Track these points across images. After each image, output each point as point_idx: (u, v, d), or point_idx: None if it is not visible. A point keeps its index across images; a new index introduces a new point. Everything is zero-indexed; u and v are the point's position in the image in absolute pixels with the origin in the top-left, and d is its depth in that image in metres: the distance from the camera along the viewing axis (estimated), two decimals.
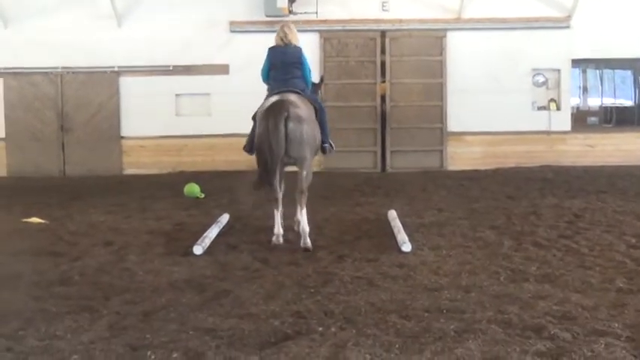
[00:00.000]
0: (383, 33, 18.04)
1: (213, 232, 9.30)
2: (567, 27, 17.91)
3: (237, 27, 17.76)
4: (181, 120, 17.93)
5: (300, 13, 17.54)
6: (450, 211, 11.45)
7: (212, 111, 17.84)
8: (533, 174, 16.37)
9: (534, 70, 18.09)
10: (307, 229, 8.76)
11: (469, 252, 8.35)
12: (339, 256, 8.22)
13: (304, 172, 8.85)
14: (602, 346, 4.98)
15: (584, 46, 17.87)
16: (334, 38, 18.01)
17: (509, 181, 15.34)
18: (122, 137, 17.98)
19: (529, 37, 17.87)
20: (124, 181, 16.35)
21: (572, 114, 18.51)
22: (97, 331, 5.52)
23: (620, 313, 5.81)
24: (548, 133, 18.00)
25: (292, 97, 8.84)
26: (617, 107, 19.96)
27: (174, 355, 4.99)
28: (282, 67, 9.24)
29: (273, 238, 8.98)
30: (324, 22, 17.82)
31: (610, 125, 19.41)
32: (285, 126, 8.51)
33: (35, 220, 10.99)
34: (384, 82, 18.07)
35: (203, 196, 13.29)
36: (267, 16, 17.24)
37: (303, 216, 8.81)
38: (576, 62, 18.52)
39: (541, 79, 18.16)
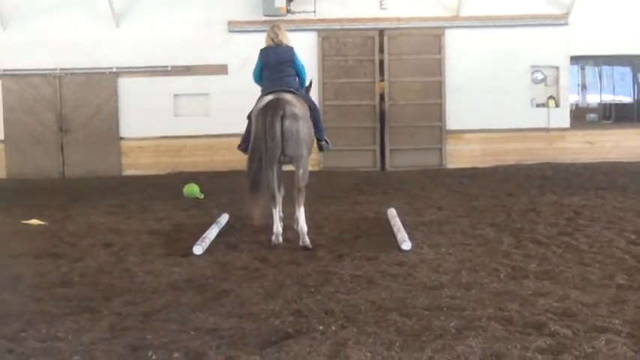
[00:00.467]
0: (381, 31, 18.04)
1: (212, 232, 9.31)
2: (566, 24, 17.91)
3: (235, 27, 17.76)
4: (180, 120, 17.92)
5: (298, 13, 17.55)
6: (450, 209, 11.46)
7: (211, 111, 17.84)
8: (533, 171, 16.37)
9: (533, 67, 18.09)
10: (305, 228, 8.77)
11: (469, 250, 8.36)
12: (339, 254, 8.23)
13: (300, 171, 8.87)
14: (603, 342, 4.99)
15: (582, 42, 17.86)
16: (332, 37, 18.00)
17: (508, 178, 15.35)
18: (121, 138, 17.97)
19: (527, 35, 17.86)
20: (123, 182, 16.35)
21: (571, 111, 18.50)
22: (97, 332, 5.53)
23: (620, 309, 5.82)
24: (547, 130, 18.00)
25: (288, 96, 8.86)
26: (616, 104, 19.92)
27: (175, 355, 5.00)
28: (275, 66, 9.24)
29: (273, 238, 8.99)
30: (322, 21, 17.82)
31: (609, 122, 19.39)
32: (282, 124, 8.52)
33: (35, 221, 11.00)
34: (382, 80, 18.06)
35: (202, 196, 13.29)
36: (265, 15, 17.23)
37: (301, 215, 8.82)
38: (575, 59, 18.50)
39: (540, 76, 18.15)
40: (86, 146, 17.82)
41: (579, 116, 19.04)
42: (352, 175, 16.63)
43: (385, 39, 18.02)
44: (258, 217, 8.77)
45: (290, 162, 8.97)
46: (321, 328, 5.50)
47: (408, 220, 10.09)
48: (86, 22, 17.67)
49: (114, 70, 17.80)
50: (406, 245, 8.39)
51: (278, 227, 9.07)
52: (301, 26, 17.04)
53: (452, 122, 17.96)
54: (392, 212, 10.46)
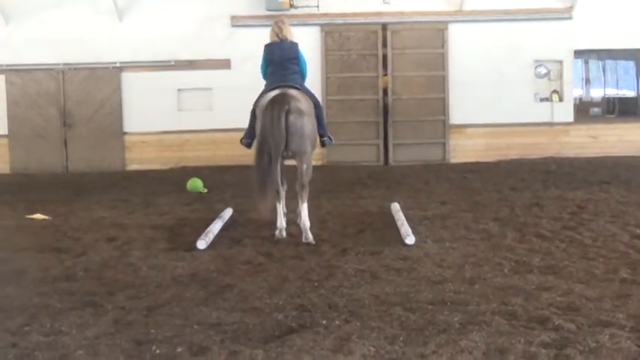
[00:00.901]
0: (384, 26, 18.02)
1: (216, 227, 9.30)
2: (569, 18, 17.87)
3: (238, 21, 17.75)
4: (183, 115, 17.93)
5: (301, 7, 17.53)
6: (453, 203, 11.45)
7: (214, 106, 17.84)
8: (536, 165, 16.36)
9: (536, 61, 18.07)
10: (308, 223, 8.77)
11: (473, 244, 8.35)
12: (343, 249, 8.23)
13: (304, 166, 8.85)
14: (607, 336, 4.98)
15: (586, 37, 17.83)
16: (335, 32, 17.99)
17: (512, 173, 15.34)
18: (124, 133, 17.98)
19: (531, 29, 17.84)
20: (126, 177, 16.36)
21: (574, 105, 18.48)
22: (101, 327, 5.53)
23: (624, 303, 5.81)
24: (550, 124, 17.98)
25: (293, 92, 8.87)
26: (619, 98, 19.92)
27: (179, 349, 4.99)
28: (280, 63, 9.21)
29: (277, 232, 9.00)
30: (325, 15, 17.79)
31: (613, 116, 19.38)
32: (286, 119, 8.52)
33: (39, 216, 11.01)
34: (385, 75, 18.05)
35: (206, 190, 13.30)
36: (268, 10, 17.23)
37: (304, 210, 8.81)
38: (579, 53, 18.48)
39: (543, 70, 18.13)
40: (89, 141, 17.84)
41: (583, 110, 19.04)
42: (355, 169, 16.63)
43: (388, 33, 18.00)
44: (266, 212, 8.78)
45: (293, 157, 8.95)
46: (324, 322, 5.49)
47: (411, 215, 10.09)
48: (89, 17, 17.67)
49: (117, 64, 17.80)
50: (410, 240, 8.38)
51: (282, 222, 9.07)
52: (304, 21, 17.02)
53: (455, 117, 17.95)
54: (395, 207, 10.46)
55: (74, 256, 8.19)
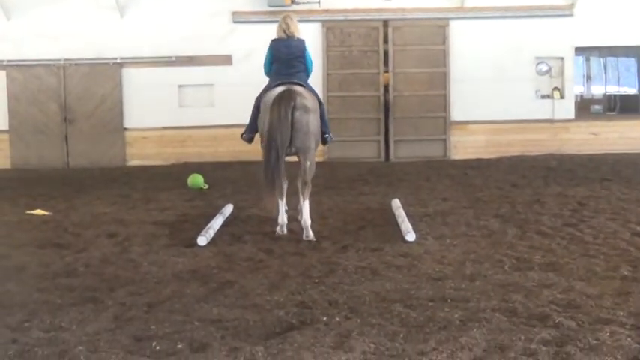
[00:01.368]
0: (385, 22, 18.02)
1: (217, 223, 9.30)
2: (570, 15, 17.86)
3: (239, 17, 17.74)
4: (184, 111, 17.94)
5: (303, 3, 17.52)
6: (454, 200, 11.45)
7: (215, 102, 17.85)
8: (537, 162, 16.36)
9: (538, 58, 18.06)
10: (309, 221, 8.74)
11: (473, 241, 8.35)
12: (343, 245, 8.23)
13: (307, 163, 8.82)
14: (607, 334, 4.98)
15: (587, 34, 17.82)
16: (337, 28, 17.98)
17: (513, 169, 15.33)
18: (125, 129, 17.99)
19: (532, 26, 17.83)
20: (127, 173, 16.36)
21: (575, 102, 18.49)
22: (102, 322, 5.53)
23: (624, 301, 5.81)
24: (551, 121, 17.97)
25: (299, 88, 8.84)
26: (620, 95, 19.92)
27: (179, 345, 5.00)
28: (286, 60, 9.17)
29: (277, 229, 8.99)
30: (327, 11, 17.79)
31: (614, 113, 19.37)
32: (292, 115, 8.50)
33: (39, 212, 11.01)
34: (387, 71, 18.04)
35: (207, 187, 13.30)
36: (269, 6, 17.23)
37: (305, 208, 8.78)
38: (580, 50, 18.48)
39: (544, 67, 18.12)
40: (90, 137, 17.86)
41: (584, 107, 19.04)
42: (356, 166, 16.63)
43: (390, 30, 18.00)
44: (272, 208, 8.80)
45: (296, 154, 8.93)
46: (325, 319, 5.49)
47: (412, 211, 10.08)
48: (90, 13, 17.67)
49: (118, 60, 17.80)
50: (410, 236, 8.38)
51: (283, 218, 9.05)
52: (305, 17, 16.97)
53: (456, 113, 17.95)
54: (396, 203, 10.46)
55: (75, 252, 8.19)
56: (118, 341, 5.11)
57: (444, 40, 17.97)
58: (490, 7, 17.82)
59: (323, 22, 17.84)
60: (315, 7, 17.59)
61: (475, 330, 5.11)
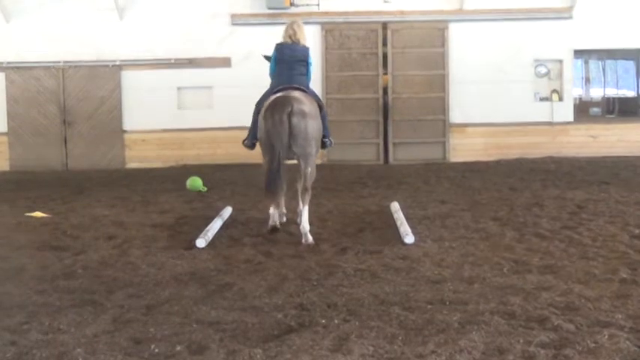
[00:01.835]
0: (384, 25, 18.02)
1: (216, 225, 9.30)
2: (569, 17, 17.87)
3: (238, 20, 17.75)
4: (184, 113, 17.93)
5: (302, 5, 17.53)
6: (453, 202, 11.45)
7: (214, 104, 17.84)
8: (536, 165, 16.36)
9: (536, 60, 18.08)
10: (308, 227, 8.71)
11: (472, 244, 8.35)
12: (342, 248, 8.23)
13: (308, 169, 8.81)
14: (606, 337, 4.98)
15: (586, 36, 17.84)
16: (336, 30, 17.99)
17: (511, 172, 15.33)
18: (124, 131, 17.99)
19: (531, 28, 17.85)
20: (126, 175, 16.36)
21: (574, 105, 18.49)
22: (100, 325, 5.53)
23: (623, 304, 5.81)
24: (550, 124, 17.98)
25: (296, 94, 8.83)
26: (619, 98, 19.94)
27: (178, 348, 5.00)
28: (290, 63, 9.19)
29: (270, 221, 9.09)
30: (326, 14, 17.79)
31: (612, 116, 19.39)
32: (289, 121, 8.50)
33: (38, 214, 11.01)
34: (386, 74, 18.05)
35: (206, 189, 13.29)
36: (268, 8, 17.26)
37: (304, 213, 8.76)
38: (579, 53, 18.49)
39: (543, 69, 18.14)
40: (89, 139, 17.86)
41: (583, 110, 19.06)
42: (356, 168, 16.63)
43: (389, 32, 18.01)
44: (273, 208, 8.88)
45: (297, 159, 8.94)
46: (323, 321, 5.50)
47: (411, 214, 10.09)
48: (90, 15, 17.69)
49: (117, 62, 17.80)
50: (409, 239, 8.38)
51: (274, 219, 9.14)
52: (304, 19, 16.72)
53: (455, 116, 17.96)
54: (395, 206, 10.46)
55: (73, 254, 8.18)
56: (116, 344, 5.11)
57: (443, 42, 17.98)
58: (489, 9, 17.83)
59: (322, 24, 17.85)
60: (314, 9, 17.60)
61: (474, 333, 5.12)
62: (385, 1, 17.91)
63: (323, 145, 9.51)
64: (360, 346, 4.90)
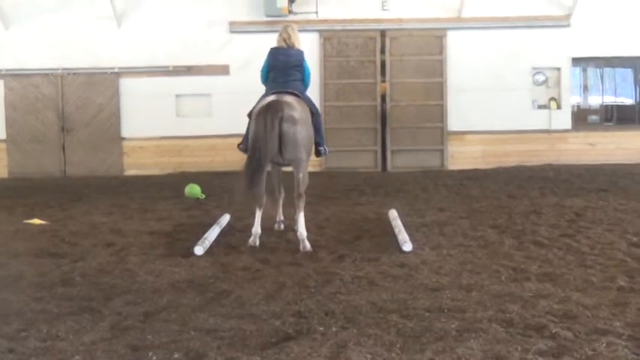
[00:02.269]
0: (383, 32, 18.05)
1: (214, 233, 9.30)
2: (567, 25, 17.90)
3: (237, 27, 17.77)
4: (182, 121, 17.94)
5: (300, 13, 17.55)
6: (451, 210, 11.45)
7: (213, 111, 17.85)
8: (534, 173, 16.37)
9: (535, 68, 18.10)
10: (305, 233, 8.70)
11: (470, 251, 8.35)
12: (340, 255, 8.22)
13: (300, 175, 8.79)
14: (604, 345, 4.98)
15: (584, 44, 17.87)
16: (334, 38, 18.01)
17: (509, 180, 15.34)
18: (123, 138, 17.99)
19: (529, 36, 17.88)
20: (124, 182, 16.35)
21: (572, 112, 18.49)
22: (98, 332, 5.53)
23: (621, 311, 5.81)
24: (548, 131, 18.00)
25: (289, 99, 8.81)
26: (617, 105, 19.94)
27: (176, 355, 5.00)
28: (283, 69, 9.19)
29: (250, 240, 8.93)
30: (324, 21, 17.82)
31: (611, 124, 19.39)
32: (280, 126, 8.49)
33: (36, 221, 11.00)
34: (384, 81, 18.07)
35: (204, 196, 13.29)
36: (267, 16, 17.27)
37: (300, 220, 8.73)
38: (577, 61, 18.50)
39: (541, 77, 18.16)
40: (88, 146, 17.87)
41: (581, 118, 19.05)
42: (353, 175, 16.63)
43: (387, 40, 18.03)
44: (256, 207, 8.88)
45: (289, 165, 8.95)
46: (321, 329, 5.50)
47: (409, 222, 10.08)
48: (88, 23, 17.71)
49: (115, 70, 17.81)
50: (407, 246, 8.38)
51: (257, 229, 8.96)
52: (303, 27, 16.81)
53: (453, 123, 17.97)
54: (393, 213, 10.46)
55: (71, 262, 8.18)
56: (114, 351, 5.11)
57: (441, 50, 18.00)
58: (487, 17, 17.87)
59: (320, 32, 17.87)
60: (313, 17, 17.63)
61: (472, 341, 5.12)
62: (384, 9, 17.94)
63: (318, 153, 9.50)
64: (357, 354, 4.89)
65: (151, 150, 17.94)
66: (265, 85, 9.45)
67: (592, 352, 4.86)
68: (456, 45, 17.91)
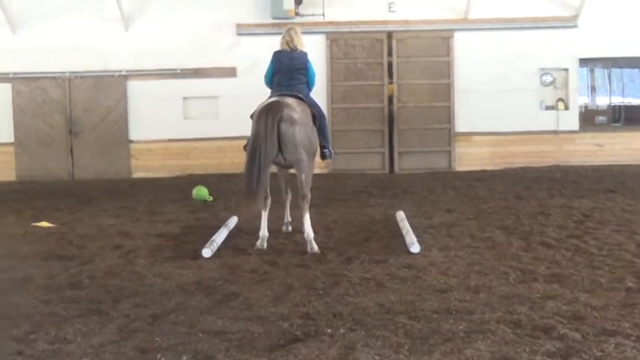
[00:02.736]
0: (390, 34, 18.04)
1: (221, 235, 9.31)
2: (575, 26, 17.87)
3: (243, 30, 17.79)
4: (189, 123, 17.96)
5: (307, 15, 17.56)
6: (459, 211, 11.44)
7: (220, 114, 17.87)
8: (542, 174, 16.34)
9: (542, 69, 18.07)
10: (312, 234, 8.72)
11: (478, 252, 8.34)
12: (348, 257, 8.23)
13: (303, 176, 8.80)
14: (612, 345, 4.98)
15: (591, 45, 17.84)
16: (341, 40, 18.01)
17: (517, 181, 15.32)
18: (130, 141, 18.01)
19: (536, 37, 17.84)
20: (132, 185, 16.39)
21: (580, 113, 18.46)
22: (106, 335, 5.54)
23: (629, 312, 5.80)
24: (556, 132, 17.96)
25: (289, 100, 8.82)
26: (625, 106, 19.89)
27: (184, 357, 5.01)
28: (288, 72, 9.21)
29: (258, 242, 8.94)
30: (331, 23, 17.82)
31: (618, 124, 19.34)
32: (278, 127, 8.50)
33: (44, 224, 11.03)
34: (391, 83, 18.06)
35: (211, 199, 13.30)
36: (273, 18, 17.28)
37: (306, 221, 8.74)
38: (584, 61, 18.46)
39: (549, 78, 18.13)
40: (95, 149, 17.90)
41: (588, 119, 19.01)
42: (361, 177, 16.63)
43: (394, 41, 18.02)
44: (250, 215, 8.79)
45: (292, 166, 8.96)
46: (329, 331, 5.50)
47: (416, 223, 10.08)
48: (95, 26, 17.74)
49: (123, 73, 17.84)
50: (415, 248, 8.38)
51: (264, 231, 8.97)
52: (310, 29, 16.98)
53: (461, 125, 17.95)
54: (401, 215, 10.46)
55: (80, 264, 8.20)
56: (122, 353, 5.12)
57: (448, 51, 17.99)
58: (494, 18, 17.84)
59: (327, 34, 17.88)
60: (320, 19, 17.63)
61: (480, 342, 5.11)
62: (390, 11, 17.93)
63: (323, 156, 9.51)
64: (366, 356, 4.90)
65: (159, 152, 17.96)
66: (270, 89, 9.46)
67: (600, 354, 4.85)
68: (463, 46, 17.89)
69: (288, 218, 9.92)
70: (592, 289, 6.57)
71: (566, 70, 18.08)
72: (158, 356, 5.04)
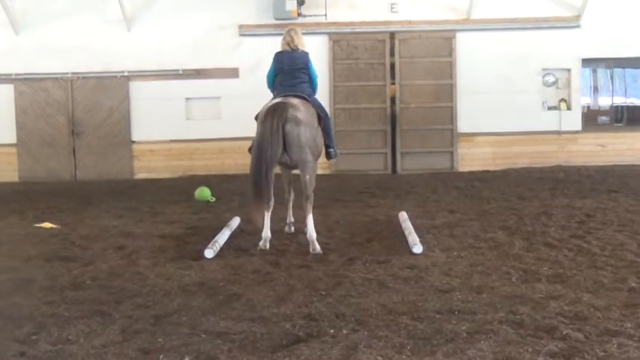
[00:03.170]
0: (392, 35, 18.05)
1: (224, 236, 9.30)
2: (577, 26, 17.88)
3: (246, 30, 17.81)
4: (192, 124, 17.99)
5: (309, 16, 17.57)
6: (461, 212, 11.44)
7: (222, 114, 17.89)
8: (544, 174, 16.34)
9: (544, 70, 18.08)
10: (314, 235, 8.72)
11: (480, 253, 8.34)
12: (350, 258, 8.22)
13: (307, 177, 8.80)
14: (615, 346, 4.97)
15: (594, 45, 17.84)
16: (343, 40, 18.02)
17: (520, 181, 15.32)
18: (133, 142, 18.04)
19: (539, 37, 17.85)
20: (135, 186, 16.40)
21: (582, 113, 18.45)
22: (109, 335, 5.54)
23: (632, 313, 5.79)
24: (558, 133, 17.96)
25: (294, 101, 8.82)
26: (628, 106, 19.85)
27: (186, 358, 5.00)
28: (290, 72, 9.21)
29: (260, 243, 8.92)
30: (333, 24, 17.83)
31: (621, 124, 19.31)
32: (283, 127, 8.50)
33: (47, 225, 11.03)
34: (393, 83, 18.06)
35: (214, 199, 13.31)
36: (276, 19, 17.29)
37: (309, 222, 8.74)
38: (586, 61, 18.45)
39: (551, 78, 18.13)
40: (98, 149, 17.93)
41: (591, 119, 18.99)
42: (363, 178, 16.63)
43: (396, 42, 18.03)
44: (260, 220, 8.76)
45: (296, 167, 8.96)
46: (332, 331, 5.49)
47: (419, 224, 10.08)
48: (98, 27, 17.78)
49: (125, 74, 17.87)
50: (417, 249, 8.37)
51: (267, 232, 8.95)
52: (312, 29, 17.02)
53: (463, 125, 17.95)
54: (403, 215, 10.45)
55: (82, 265, 8.20)
56: (125, 354, 5.12)
57: (451, 52, 18.00)
58: (496, 18, 17.85)
59: (329, 34, 17.90)
60: (322, 19, 17.64)
61: (482, 342, 5.11)
62: (393, 11, 17.94)
63: (328, 156, 9.52)
64: (368, 356, 4.89)
65: (161, 153, 17.98)
66: (272, 90, 9.46)
67: (603, 354, 4.84)
68: (465, 47, 17.90)
69: (290, 219, 9.92)
70: (595, 290, 6.57)
71: (569, 70, 18.09)
72: (161, 357, 5.03)
